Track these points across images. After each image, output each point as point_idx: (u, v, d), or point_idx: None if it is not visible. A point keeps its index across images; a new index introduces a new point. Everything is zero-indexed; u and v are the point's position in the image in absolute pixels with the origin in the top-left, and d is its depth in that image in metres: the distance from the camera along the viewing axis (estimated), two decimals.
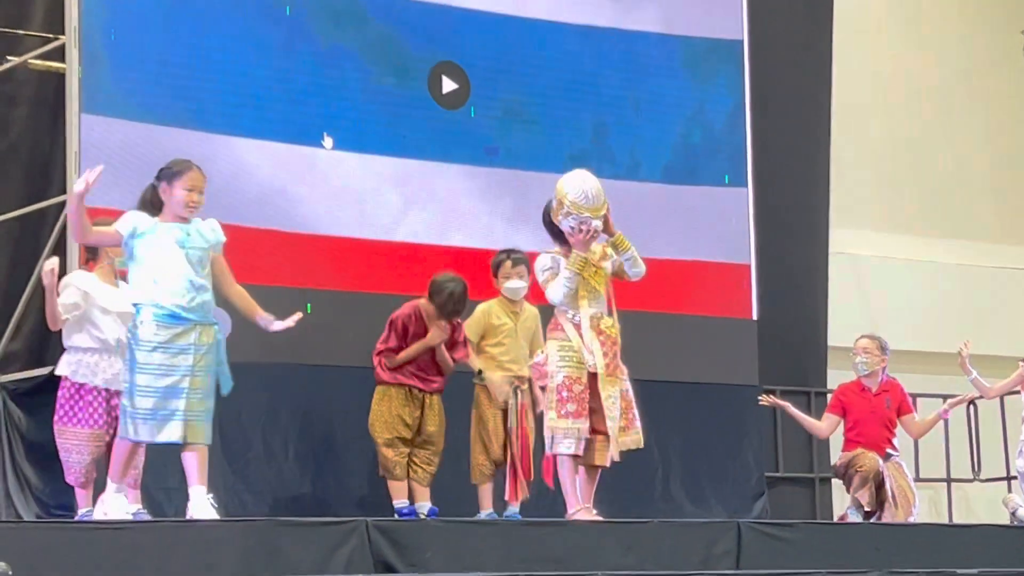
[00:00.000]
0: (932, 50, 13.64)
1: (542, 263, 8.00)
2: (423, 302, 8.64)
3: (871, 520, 9.60)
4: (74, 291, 7.80)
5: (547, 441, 7.99)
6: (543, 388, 8.21)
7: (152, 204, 7.37)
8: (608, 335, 7.97)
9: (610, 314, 8.04)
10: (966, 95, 13.81)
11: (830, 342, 11.73)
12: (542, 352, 8.19)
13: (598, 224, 7.94)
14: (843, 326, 11.65)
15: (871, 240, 12.93)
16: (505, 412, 8.71)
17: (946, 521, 11.94)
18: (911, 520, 9.67)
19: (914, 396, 11.47)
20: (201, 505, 7.16)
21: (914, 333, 12.55)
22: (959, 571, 7.62)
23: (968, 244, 13.55)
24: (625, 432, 8.00)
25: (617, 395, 7.96)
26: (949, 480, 12.31)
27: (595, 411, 7.91)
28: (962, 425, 12.27)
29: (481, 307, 8.85)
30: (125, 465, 7.27)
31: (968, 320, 12.99)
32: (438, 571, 7.11)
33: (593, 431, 7.92)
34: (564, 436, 7.88)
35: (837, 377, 11.06)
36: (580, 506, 7.99)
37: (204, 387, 7.20)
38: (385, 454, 8.59)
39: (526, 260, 8.81)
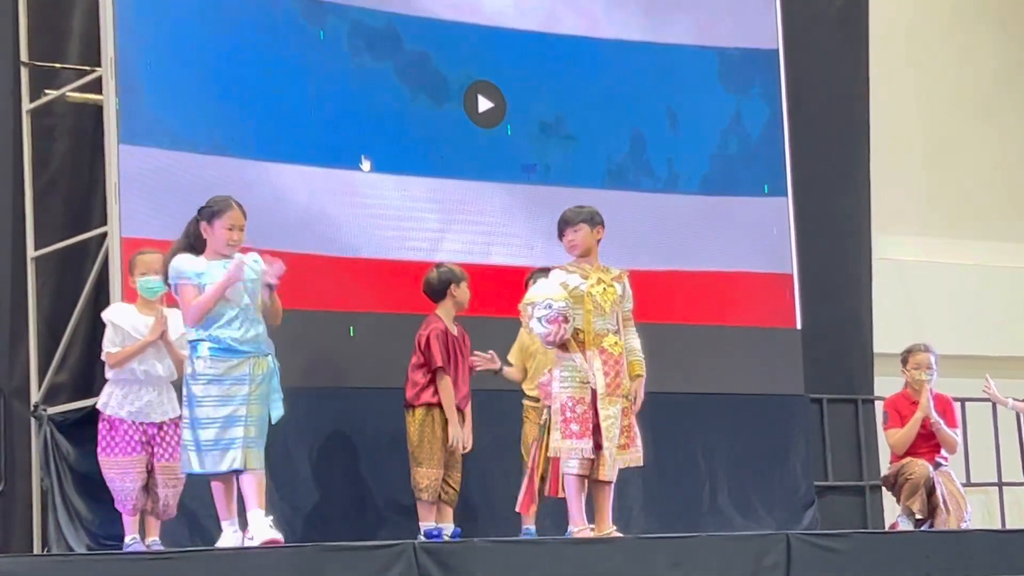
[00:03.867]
0: (969, 52, 13.56)
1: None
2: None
3: (922, 528, 9.55)
4: (111, 327, 8.00)
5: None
6: (548, 407, 8.26)
7: (195, 239, 7.49)
8: (611, 353, 8.01)
9: (616, 332, 8.05)
10: (1005, 96, 13.73)
11: (876, 349, 11.68)
12: (548, 372, 8.23)
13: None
14: (888, 332, 11.61)
15: (914, 245, 12.86)
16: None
17: (998, 526, 11.85)
18: (964, 526, 9.62)
19: (961, 401, 11.43)
20: (261, 527, 7.25)
21: (959, 337, 12.47)
22: None
23: (1012, 247, 13.46)
24: (625, 450, 8.01)
25: (616, 414, 7.98)
26: (1001, 484, 12.23)
27: (599, 428, 7.95)
28: (1012, 429, 12.19)
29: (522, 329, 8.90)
30: (227, 501, 7.43)
31: (1014, 323, 12.91)
32: None
33: (598, 447, 7.96)
34: (569, 456, 7.95)
35: (884, 384, 11.02)
36: (583, 525, 8.01)
37: (259, 415, 7.39)
38: (429, 475, 8.64)
39: None
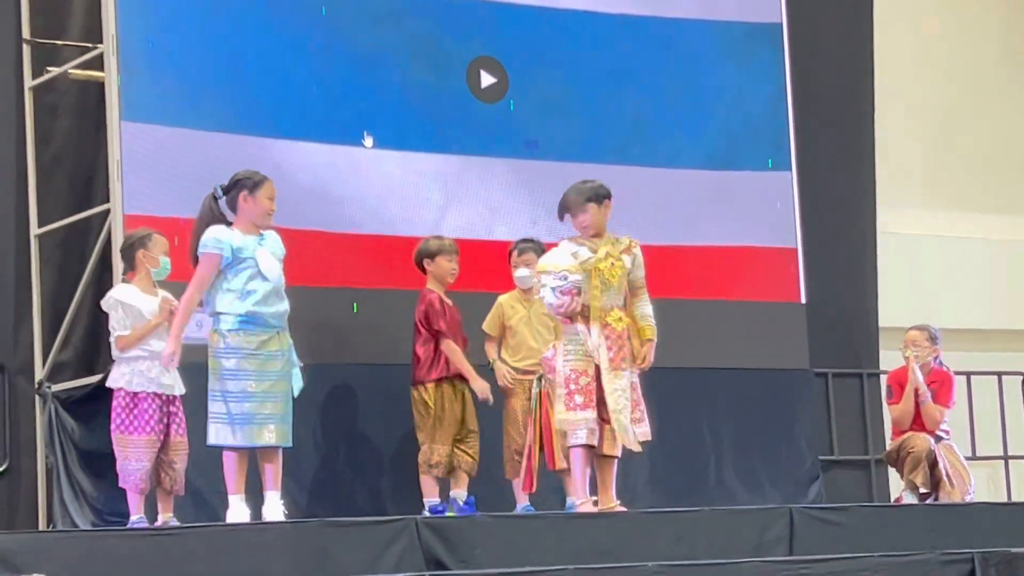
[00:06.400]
0: (974, 25, 13.53)
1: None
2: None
3: (926, 501, 9.56)
4: (120, 309, 7.97)
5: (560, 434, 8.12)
6: (539, 379, 8.30)
7: (216, 215, 7.54)
8: (613, 328, 7.99)
9: (622, 307, 8.05)
10: (1010, 69, 13.69)
11: (881, 323, 11.66)
12: (553, 346, 8.23)
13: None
14: (894, 306, 11.60)
15: (919, 218, 12.84)
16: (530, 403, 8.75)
17: (1004, 499, 11.85)
18: (968, 498, 9.62)
19: (968, 374, 11.44)
20: (275, 511, 7.31)
21: (965, 310, 12.47)
22: (1013, 550, 7.56)
23: (1018, 219, 13.43)
24: (637, 424, 8.00)
25: (624, 387, 7.96)
26: (1007, 457, 12.22)
27: (603, 402, 7.94)
28: (1018, 403, 12.18)
29: (498, 299, 8.92)
30: (239, 475, 7.50)
31: (1020, 296, 12.89)
32: (489, 567, 7.12)
33: (603, 420, 7.94)
34: (575, 428, 7.95)
35: (889, 358, 11.00)
36: (585, 499, 8.03)
37: (287, 390, 7.53)
38: (441, 452, 8.67)
39: (536, 248, 8.88)
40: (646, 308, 8.19)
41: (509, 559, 7.22)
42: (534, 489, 8.59)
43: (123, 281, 8.18)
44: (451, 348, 8.71)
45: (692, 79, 10.51)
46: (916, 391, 9.75)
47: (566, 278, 7.97)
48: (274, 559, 6.85)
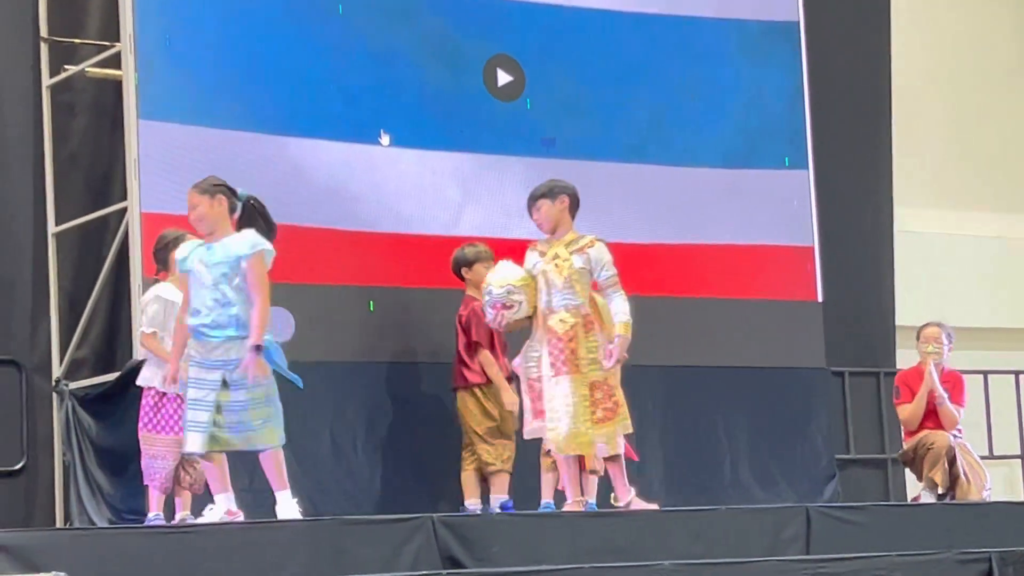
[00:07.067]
0: (990, 23, 13.49)
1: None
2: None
3: (943, 501, 9.54)
4: (155, 305, 7.96)
5: None
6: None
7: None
8: (555, 331, 7.99)
9: (571, 307, 8.02)
10: None
11: (898, 321, 11.65)
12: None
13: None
14: (910, 305, 11.59)
15: (936, 217, 12.81)
16: None
17: (1021, 498, 11.83)
18: (985, 496, 9.61)
19: (984, 373, 11.43)
20: (287, 509, 7.30)
21: (982, 309, 12.44)
22: None
23: None
24: (602, 424, 7.94)
25: (564, 393, 7.93)
26: None
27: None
28: None
29: None
30: (222, 477, 7.40)
31: None
32: (505, 565, 7.12)
33: None
34: (544, 435, 8.03)
35: (905, 356, 10.99)
36: (573, 499, 8.08)
37: (242, 399, 7.22)
38: (509, 448, 8.81)
39: None
40: (615, 305, 8.08)
41: (526, 557, 7.22)
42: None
43: (155, 281, 8.16)
44: (487, 361, 8.81)
45: (709, 77, 10.50)
46: (932, 392, 9.72)
47: (491, 292, 8.08)
48: (291, 557, 6.86)
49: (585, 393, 7.95)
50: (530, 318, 8.14)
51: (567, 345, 7.98)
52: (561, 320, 8.00)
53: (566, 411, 7.90)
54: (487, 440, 8.81)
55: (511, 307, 8.04)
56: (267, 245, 7.32)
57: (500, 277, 8.15)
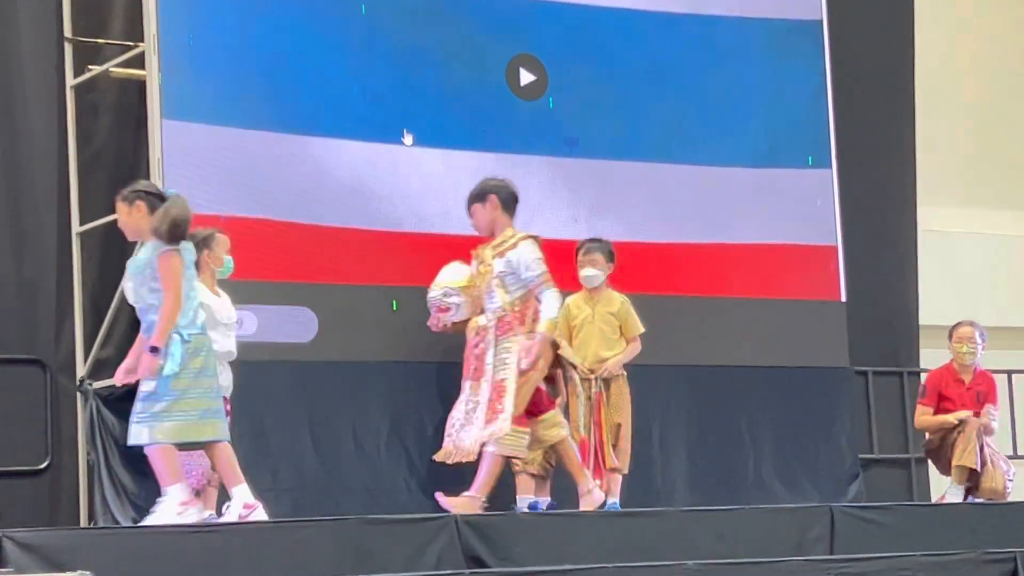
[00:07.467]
0: (1014, 21, 13.44)
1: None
2: None
3: (970, 498, 9.53)
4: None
5: None
6: (595, 379, 8.53)
7: None
8: (470, 337, 8.03)
9: (489, 311, 8.04)
10: None
11: (921, 321, 11.62)
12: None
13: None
14: (934, 304, 11.55)
15: (959, 216, 12.78)
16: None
17: None
18: (1008, 485, 9.59)
19: (1009, 372, 11.39)
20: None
21: (1006, 308, 12.40)
22: None
23: None
24: (487, 424, 7.96)
25: (464, 400, 8.01)
26: None
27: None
28: None
29: (566, 299, 8.94)
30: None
31: None
32: (529, 564, 7.12)
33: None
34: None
35: (929, 356, 10.97)
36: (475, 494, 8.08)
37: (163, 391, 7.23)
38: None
39: (602, 247, 8.97)
40: (543, 304, 8.14)
41: (550, 556, 7.22)
42: (602, 477, 8.65)
43: None
44: None
45: (732, 76, 10.48)
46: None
47: (432, 294, 8.08)
48: (315, 556, 6.87)
49: (477, 400, 7.96)
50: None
51: (471, 351, 8.02)
52: (477, 324, 8.01)
53: (466, 421, 7.91)
54: None
55: (447, 310, 8.07)
56: (173, 245, 7.29)
57: (441, 279, 8.20)
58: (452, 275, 8.18)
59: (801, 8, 10.80)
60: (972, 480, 9.60)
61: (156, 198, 7.43)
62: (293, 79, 9.25)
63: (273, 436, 8.77)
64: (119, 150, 9.41)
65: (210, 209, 8.70)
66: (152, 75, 8.81)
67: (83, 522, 8.95)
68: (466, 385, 8.04)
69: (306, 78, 9.28)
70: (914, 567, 7.27)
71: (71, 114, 9.39)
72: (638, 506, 8.67)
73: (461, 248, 9.28)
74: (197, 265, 7.99)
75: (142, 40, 8.93)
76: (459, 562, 7.08)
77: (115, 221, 9.15)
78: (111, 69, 9.24)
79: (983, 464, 9.55)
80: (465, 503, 7.95)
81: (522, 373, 8.02)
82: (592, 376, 8.74)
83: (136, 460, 8.66)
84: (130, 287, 7.40)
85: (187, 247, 7.33)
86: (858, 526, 8.11)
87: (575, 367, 8.68)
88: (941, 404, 9.91)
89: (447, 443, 8.09)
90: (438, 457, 8.09)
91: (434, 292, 8.12)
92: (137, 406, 7.25)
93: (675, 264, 10.05)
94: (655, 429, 9.79)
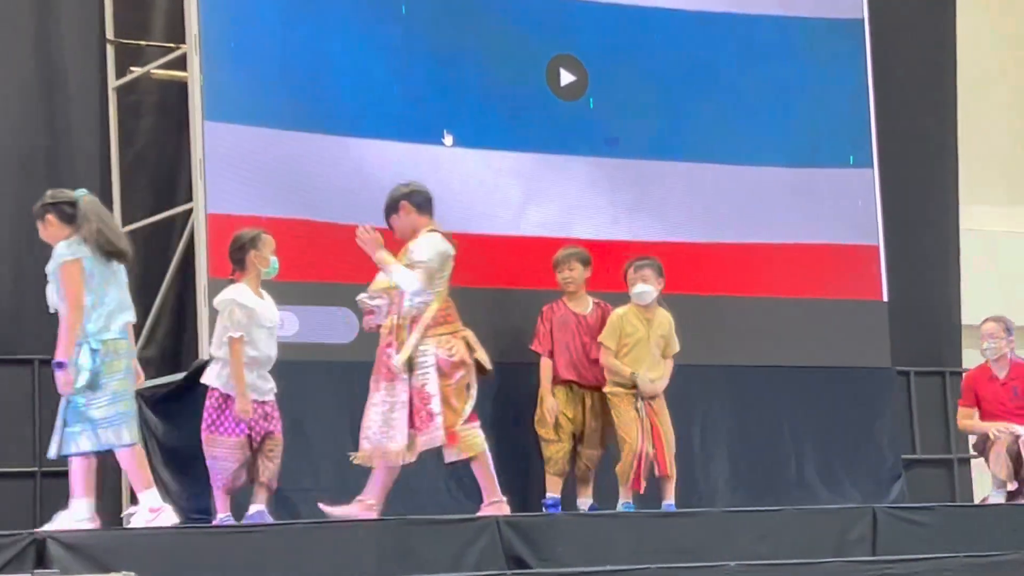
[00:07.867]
0: None
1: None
2: None
3: (1013, 501, 9.48)
4: (239, 311, 7.90)
5: None
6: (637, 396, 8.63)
7: None
8: (383, 336, 8.03)
9: (398, 315, 8.02)
10: None
11: (964, 320, 11.58)
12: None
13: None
14: (976, 304, 11.49)
15: (1002, 215, 12.73)
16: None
17: None
18: None
19: None
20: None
21: None
22: None
23: None
24: (420, 432, 7.90)
25: (374, 403, 7.92)
26: None
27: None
28: None
29: (618, 311, 8.95)
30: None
31: None
32: (570, 565, 7.12)
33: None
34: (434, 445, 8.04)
35: (972, 356, 10.91)
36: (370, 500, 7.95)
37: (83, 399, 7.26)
38: (587, 455, 8.96)
39: (652, 264, 8.97)
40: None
41: (591, 557, 7.22)
42: (641, 488, 8.66)
43: (230, 281, 8.16)
44: (543, 365, 8.97)
45: (773, 76, 10.45)
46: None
47: (360, 296, 8.10)
48: (358, 556, 6.90)
49: (393, 401, 7.91)
50: None
51: (384, 351, 7.97)
52: (392, 323, 7.98)
53: (380, 427, 7.86)
54: (545, 440, 8.94)
55: (372, 312, 8.04)
56: (68, 255, 7.22)
57: (373, 282, 8.17)
58: (379, 277, 8.17)
59: (842, 7, 10.77)
60: (1020, 475, 9.56)
61: (65, 204, 7.38)
62: (334, 80, 9.27)
63: (314, 436, 8.77)
64: (161, 151, 9.46)
65: (252, 211, 8.73)
66: (194, 76, 8.84)
67: (125, 523, 8.96)
68: (381, 385, 7.95)
69: (347, 79, 9.29)
70: (957, 568, 7.25)
71: (113, 115, 9.44)
72: (680, 507, 8.66)
73: (502, 248, 9.30)
74: (243, 264, 7.99)
75: (184, 42, 8.97)
76: (501, 563, 7.08)
77: (158, 221, 9.27)
78: (153, 71, 9.29)
79: (1016, 474, 9.52)
80: (360, 510, 7.87)
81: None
82: (635, 391, 8.80)
83: (179, 461, 8.72)
84: (49, 292, 7.38)
85: (87, 254, 7.21)
86: (900, 527, 8.09)
87: (486, 371, 8.59)
88: (979, 404, 9.88)
89: (364, 444, 7.97)
90: (357, 460, 7.99)
91: (361, 295, 8.12)
92: (90, 414, 7.26)
93: (716, 264, 10.04)
94: (696, 429, 9.77)
